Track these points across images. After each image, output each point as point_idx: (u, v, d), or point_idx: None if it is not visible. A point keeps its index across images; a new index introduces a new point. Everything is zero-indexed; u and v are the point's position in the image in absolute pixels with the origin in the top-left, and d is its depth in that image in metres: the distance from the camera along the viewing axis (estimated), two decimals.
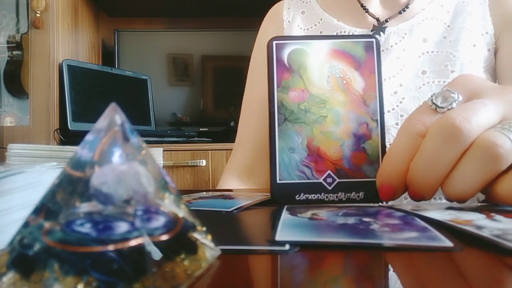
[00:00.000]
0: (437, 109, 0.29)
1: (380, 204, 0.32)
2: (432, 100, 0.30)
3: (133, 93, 1.71)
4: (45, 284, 0.14)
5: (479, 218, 0.24)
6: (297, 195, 0.32)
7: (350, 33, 0.60)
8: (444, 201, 0.30)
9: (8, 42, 1.57)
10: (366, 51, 0.34)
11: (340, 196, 0.32)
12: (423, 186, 0.28)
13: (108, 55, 1.90)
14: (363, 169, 0.33)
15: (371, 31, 0.58)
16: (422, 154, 0.27)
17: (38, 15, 1.46)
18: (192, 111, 1.83)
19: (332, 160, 0.33)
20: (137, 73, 1.73)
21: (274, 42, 0.35)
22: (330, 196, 0.32)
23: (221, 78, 1.85)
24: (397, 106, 0.54)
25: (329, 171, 0.33)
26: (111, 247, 0.14)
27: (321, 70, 0.34)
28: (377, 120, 0.33)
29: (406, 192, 0.30)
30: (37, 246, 0.14)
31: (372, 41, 0.34)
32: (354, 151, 0.33)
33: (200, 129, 1.72)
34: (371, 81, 0.34)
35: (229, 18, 1.92)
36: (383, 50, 0.58)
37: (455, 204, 0.29)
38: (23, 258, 0.14)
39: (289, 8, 0.67)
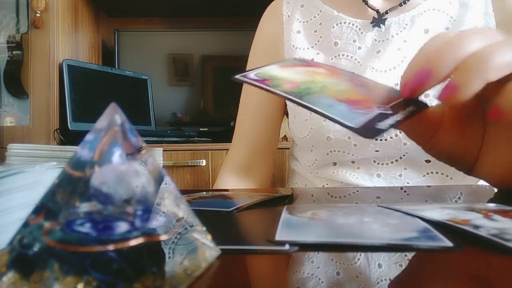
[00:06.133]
0: None
1: (379, 205, 0.32)
2: None
3: (133, 93, 1.71)
4: (45, 284, 0.14)
5: (476, 218, 0.24)
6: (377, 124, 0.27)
7: (350, 24, 0.59)
8: (441, 204, 0.30)
9: (8, 42, 1.57)
10: None
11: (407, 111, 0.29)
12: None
13: (108, 55, 1.90)
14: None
15: (371, 23, 0.58)
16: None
17: (38, 15, 1.45)
18: (192, 111, 1.83)
19: (368, 99, 0.30)
20: (137, 73, 1.73)
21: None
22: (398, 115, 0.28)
23: (221, 78, 1.85)
24: None
25: (375, 106, 0.29)
26: (111, 247, 0.14)
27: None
28: None
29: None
30: (37, 246, 0.14)
31: None
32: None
33: (200, 129, 1.72)
34: None
35: (229, 18, 1.92)
36: (383, 41, 0.57)
37: (451, 205, 0.29)
38: (23, 258, 0.14)
39: (288, 3, 0.66)
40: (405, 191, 0.43)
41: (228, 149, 0.72)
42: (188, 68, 1.83)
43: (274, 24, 0.67)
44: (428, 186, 0.53)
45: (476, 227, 0.21)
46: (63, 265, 0.14)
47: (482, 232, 0.20)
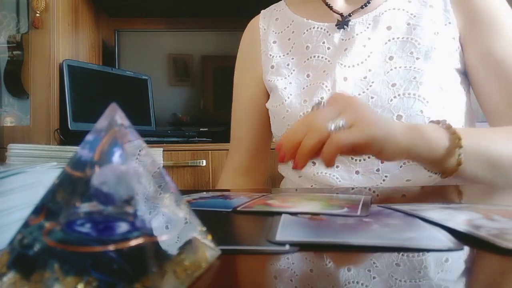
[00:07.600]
0: None
1: (379, 205, 0.32)
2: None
3: (133, 93, 1.71)
4: (46, 284, 0.14)
5: (477, 218, 0.24)
6: None
7: (319, 28, 0.65)
8: (441, 204, 0.30)
9: (8, 42, 1.57)
10: None
11: None
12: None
13: (108, 55, 1.90)
14: None
15: (336, 25, 0.63)
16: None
17: (38, 15, 1.45)
18: (192, 111, 1.83)
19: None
20: (137, 73, 1.73)
21: None
22: None
23: (221, 78, 1.84)
24: (367, 89, 0.57)
25: None
26: (111, 247, 0.14)
27: None
28: None
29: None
30: (37, 246, 0.14)
31: None
32: None
33: (200, 129, 1.72)
34: None
35: (229, 18, 1.92)
36: (349, 39, 0.62)
37: (451, 205, 0.30)
38: (23, 258, 0.14)
39: (264, 18, 0.74)
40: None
41: (228, 149, 0.76)
42: (188, 68, 1.83)
43: (252, 38, 0.74)
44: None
45: (476, 227, 0.21)
46: (64, 265, 0.14)
47: (482, 232, 0.20)
